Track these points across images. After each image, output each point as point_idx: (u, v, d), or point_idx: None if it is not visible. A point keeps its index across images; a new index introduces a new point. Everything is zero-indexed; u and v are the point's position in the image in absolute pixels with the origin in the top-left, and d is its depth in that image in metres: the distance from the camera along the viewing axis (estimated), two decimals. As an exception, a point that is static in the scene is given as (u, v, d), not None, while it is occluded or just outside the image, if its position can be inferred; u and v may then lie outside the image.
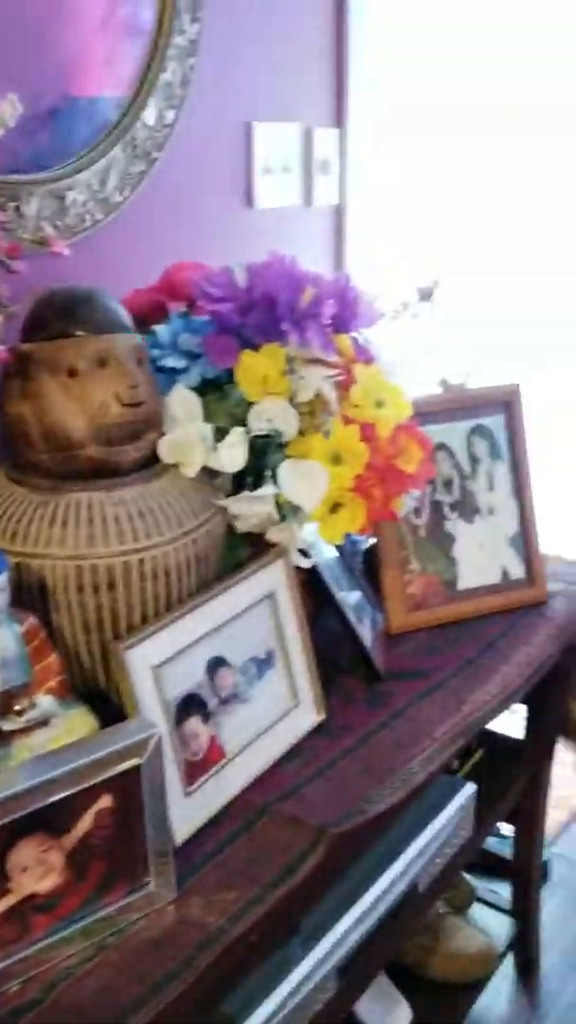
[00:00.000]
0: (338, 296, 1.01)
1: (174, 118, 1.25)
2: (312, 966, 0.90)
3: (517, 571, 1.25)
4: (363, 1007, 1.27)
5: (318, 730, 0.99)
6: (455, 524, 1.23)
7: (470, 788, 1.17)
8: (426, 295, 1.31)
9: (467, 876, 1.56)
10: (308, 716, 0.99)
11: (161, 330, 1.02)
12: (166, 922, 0.76)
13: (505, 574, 1.25)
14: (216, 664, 0.89)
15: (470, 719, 1.05)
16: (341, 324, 1.03)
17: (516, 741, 1.44)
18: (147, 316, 1.08)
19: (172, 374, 1.00)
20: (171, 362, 1.00)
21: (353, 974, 1.00)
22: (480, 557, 1.24)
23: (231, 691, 0.91)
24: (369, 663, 1.09)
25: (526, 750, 1.43)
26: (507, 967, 1.63)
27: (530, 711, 1.43)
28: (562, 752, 1.57)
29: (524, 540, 1.26)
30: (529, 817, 1.49)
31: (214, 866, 0.81)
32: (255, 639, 0.94)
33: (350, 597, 1.11)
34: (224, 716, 0.89)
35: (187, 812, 0.83)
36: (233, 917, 0.75)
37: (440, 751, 0.99)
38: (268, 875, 0.80)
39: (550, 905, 1.76)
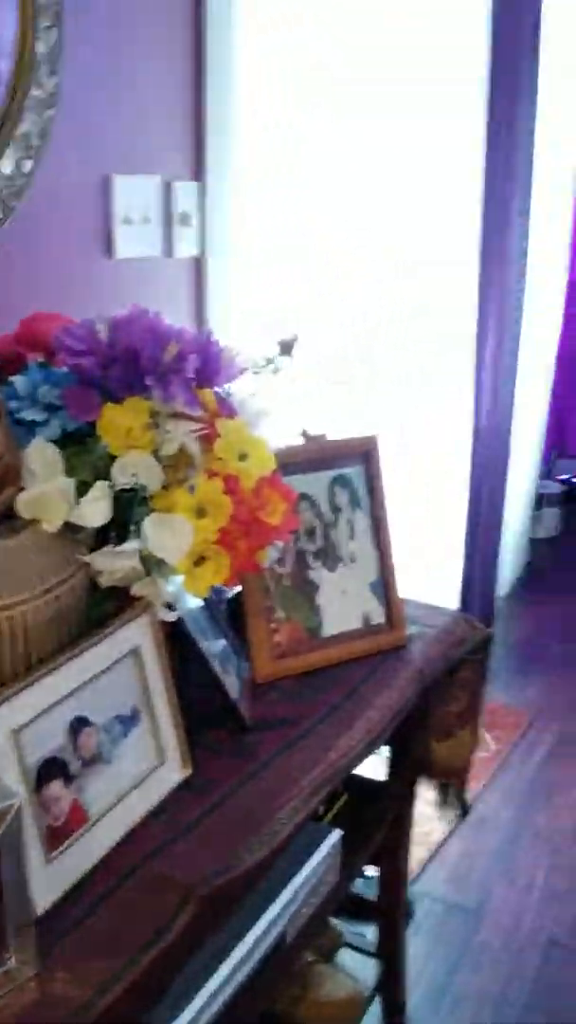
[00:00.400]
0: (201, 350, 1.02)
1: (32, 168, 1.24)
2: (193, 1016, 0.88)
3: (378, 616, 1.29)
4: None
5: (185, 785, 0.98)
6: (318, 572, 1.25)
7: (336, 834, 1.19)
8: (287, 348, 1.34)
9: (333, 921, 1.57)
10: (174, 772, 0.98)
11: (19, 381, 1.00)
12: (28, 999, 0.73)
13: (367, 620, 1.28)
14: (79, 724, 0.87)
15: (336, 765, 1.06)
16: (204, 378, 1.04)
17: (379, 783, 1.47)
18: (3, 367, 1.06)
19: (31, 427, 0.98)
20: (30, 415, 0.98)
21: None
22: (343, 604, 1.26)
23: (94, 751, 0.88)
24: (236, 713, 1.09)
25: (389, 791, 1.46)
26: (374, 1009, 1.64)
27: (392, 753, 1.47)
28: (423, 790, 1.62)
29: (384, 586, 1.30)
30: (393, 857, 1.52)
31: (79, 935, 0.79)
32: (119, 696, 0.93)
33: (215, 647, 1.11)
34: (87, 778, 0.87)
35: (49, 880, 0.80)
36: (100, 989, 0.73)
37: (307, 800, 0.99)
38: (136, 940, 0.78)
39: (414, 943, 1.80)
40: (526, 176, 2.46)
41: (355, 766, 1.11)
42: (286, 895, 1.07)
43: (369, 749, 1.13)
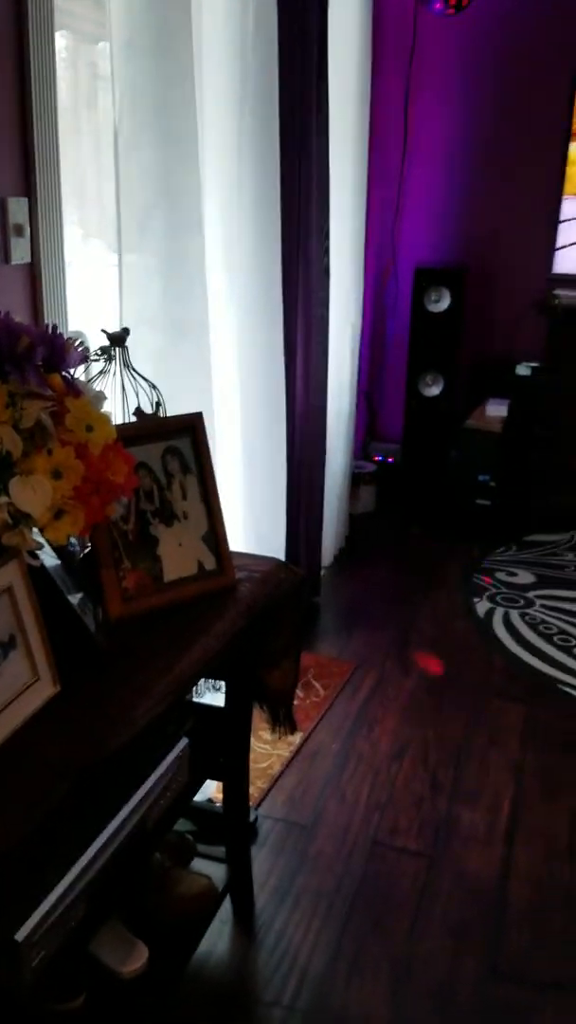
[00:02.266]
0: (47, 343, 1.24)
1: None
2: (68, 885, 1.10)
3: (210, 563, 1.54)
4: (104, 951, 1.48)
5: (54, 699, 1.20)
6: (157, 528, 1.49)
7: (184, 741, 1.43)
8: (118, 340, 1.56)
9: (188, 838, 1.82)
10: (47, 688, 1.19)
11: None
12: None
13: (201, 566, 1.53)
14: (-32, 646, 1.07)
15: (181, 678, 1.30)
16: (51, 365, 1.25)
17: (220, 709, 1.72)
18: None
19: None
20: None
21: (100, 898, 1.21)
22: (180, 554, 1.50)
23: (-18, 668, 1.09)
24: (93, 644, 1.31)
25: (229, 716, 1.72)
26: (226, 914, 1.90)
27: (229, 684, 1.73)
28: (265, 732, 1.87)
29: (214, 537, 1.55)
30: (236, 774, 1.78)
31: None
32: (-1, 626, 1.14)
33: (75, 597, 1.32)
34: (-22, 689, 1.07)
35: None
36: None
37: (159, 703, 1.23)
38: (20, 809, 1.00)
39: (259, 857, 2.06)
40: (322, 175, 2.78)
41: (196, 680, 1.35)
42: (145, 787, 1.30)
43: (208, 666, 1.38)
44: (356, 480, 3.96)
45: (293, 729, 1.78)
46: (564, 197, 3.70)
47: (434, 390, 4.09)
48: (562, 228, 3.74)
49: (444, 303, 3.93)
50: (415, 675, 2.83)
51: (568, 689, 2.77)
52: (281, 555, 2.78)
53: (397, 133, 4.15)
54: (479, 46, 3.97)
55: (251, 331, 2.44)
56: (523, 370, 4.20)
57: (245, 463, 2.52)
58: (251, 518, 2.59)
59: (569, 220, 3.72)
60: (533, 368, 4.08)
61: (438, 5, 3.59)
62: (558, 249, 3.77)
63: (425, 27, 3.95)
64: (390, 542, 3.86)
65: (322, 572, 3.38)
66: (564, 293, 3.78)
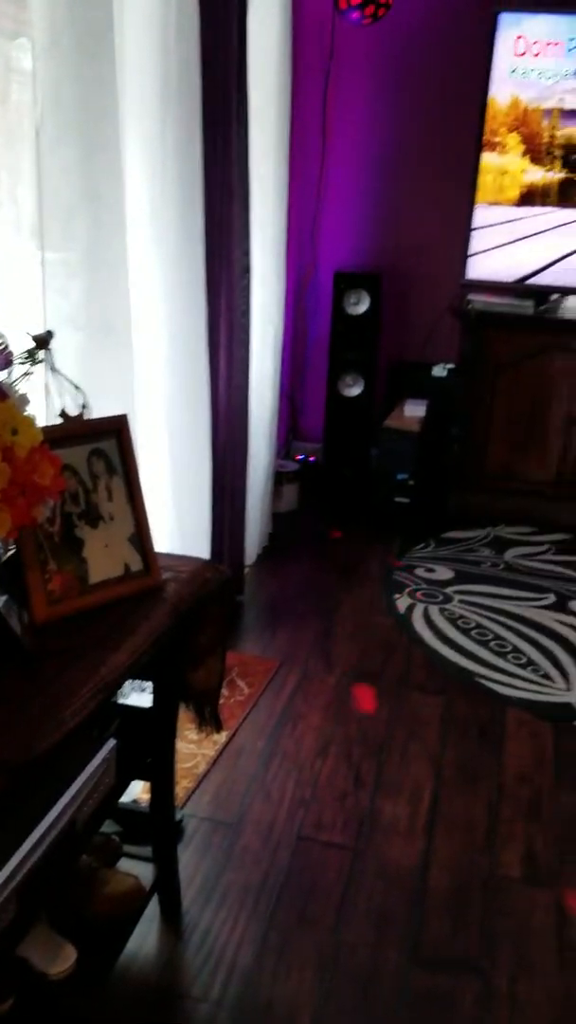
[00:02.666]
0: (-28, 344, 1.24)
1: None
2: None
3: (137, 564, 1.55)
4: (32, 953, 1.47)
5: (-17, 702, 1.20)
6: (83, 530, 1.49)
7: (111, 743, 1.44)
8: (42, 342, 1.56)
9: (115, 838, 1.82)
10: (-26, 691, 1.19)
11: None
12: None
13: (127, 567, 1.54)
14: None
15: (108, 679, 1.31)
16: (-24, 367, 1.25)
17: (146, 710, 1.73)
18: None
19: None
20: None
21: (29, 900, 1.21)
22: (106, 555, 1.51)
23: None
24: (19, 646, 1.31)
25: (155, 716, 1.73)
26: (153, 912, 1.91)
27: (155, 684, 1.74)
28: (190, 732, 1.89)
29: (140, 538, 1.56)
30: (162, 774, 1.79)
31: None
32: None
33: (-1, 598, 1.32)
34: None
35: None
36: None
37: (87, 703, 1.24)
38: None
39: (185, 856, 2.08)
40: (243, 178, 2.80)
41: (124, 680, 1.36)
42: (73, 788, 1.30)
43: (136, 667, 1.39)
44: (279, 479, 4.00)
45: (219, 728, 1.80)
46: (476, 205, 3.80)
47: (354, 390, 4.16)
48: (475, 235, 3.84)
49: (363, 306, 4.00)
50: (338, 671, 2.88)
51: (484, 681, 2.86)
52: (206, 554, 2.80)
53: (316, 139, 4.21)
54: (396, 55, 4.06)
55: (175, 332, 2.45)
56: (439, 371, 4.31)
57: (170, 463, 2.52)
58: (176, 518, 2.60)
59: (481, 228, 3.83)
60: (449, 370, 4.19)
61: (355, 15, 3.65)
62: (471, 256, 3.87)
63: (343, 36, 4.01)
64: (313, 540, 3.91)
65: (246, 570, 3.41)
66: (477, 298, 3.89)
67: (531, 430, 3.96)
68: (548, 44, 3.55)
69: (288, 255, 3.45)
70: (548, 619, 3.26)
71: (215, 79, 2.49)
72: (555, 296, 3.98)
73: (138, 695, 1.94)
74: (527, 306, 3.85)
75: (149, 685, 1.79)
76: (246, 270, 2.90)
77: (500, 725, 2.66)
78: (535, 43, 3.55)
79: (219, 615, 1.72)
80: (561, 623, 3.24)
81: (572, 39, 3.52)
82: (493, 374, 3.91)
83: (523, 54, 3.57)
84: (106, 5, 1.86)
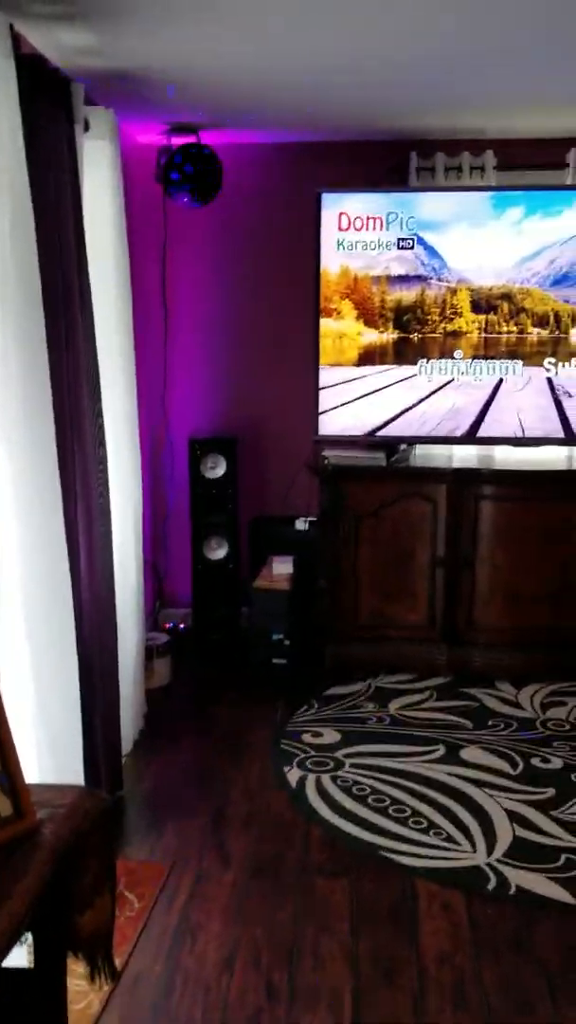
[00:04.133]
0: None
1: None
2: None
3: (7, 809, 1.37)
4: None
5: None
6: None
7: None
8: None
9: None
10: None
11: None
12: None
13: (-5, 814, 1.35)
14: None
15: (-18, 965, 1.11)
16: None
17: (26, 971, 1.50)
18: None
19: None
20: None
21: None
22: (-31, 804, 1.33)
23: None
24: None
25: (38, 973, 1.50)
26: None
27: (35, 937, 1.51)
28: (78, 965, 1.66)
29: (9, 779, 1.38)
30: (52, 1042, 1.54)
31: None
32: None
33: None
34: None
35: None
36: None
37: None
38: None
39: None
40: (89, 363, 2.77)
41: (4, 956, 1.17)
42: None
43: (13, 938, 1.20)
44: (149, 654, 3.83)
45: (114, 975, 1.59)
46: (321, 367, 3.92)
47: (219, 553, 4.11)
48: (322, 394, 3.95)
49: (220, 469, 4.00)
50: (234, 867, 2.67)
51: (388, 854, 2.71)
52: (78, 756, 2.58)
53: (158, 316, 4.29)
54: (230, 231, 4.25)
55: (29, 522, 2.32)
56: (301, 525, 4.33)
57: (32, 670, 2.34)
58: (43, 723, 2.39)
59: (328, 387, 3.94)
60: (311, 522, 4.21)
61: (185, 198, 3.81)
62: (321, 413, 3.97)
63: (177, 215, 4.16)
64: (191, 715, 3.72)
65: (123, 760, 3.18)
66: (332, 453, 3.96)
67: (399, 575, 3.98)
68: (369, 218, 3.79)
69: (140, 426, 3.42)
70: (442, 774, 3.18)
71: (52, 264, 2.48)
72: (404, 446, 4.11)
73: (16, 949, 1.70)
74: (379, 457, 3.95)
75: (28, 936, 1.57)
76: (101, 443, 2.84)
77: (411, 901, 2.51)
78: (357, 218, 3.79)
79: (103, 845, 1.54)
80: (455, 776, 3.16)
81: (390, 213, 3.78)
82: (355, 524, 3.95)
83: (347, 228, 3.80)
84: None
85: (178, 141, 3.82)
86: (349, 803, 2.99)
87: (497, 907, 2.48)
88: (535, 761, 3.27)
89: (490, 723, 3.58)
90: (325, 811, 2.95)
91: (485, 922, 2.42)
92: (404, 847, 2.75)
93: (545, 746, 3.38)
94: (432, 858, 2.70)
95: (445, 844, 2.76)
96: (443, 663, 4.02)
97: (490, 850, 2.73)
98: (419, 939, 2.36)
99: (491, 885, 2.57)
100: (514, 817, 2.90)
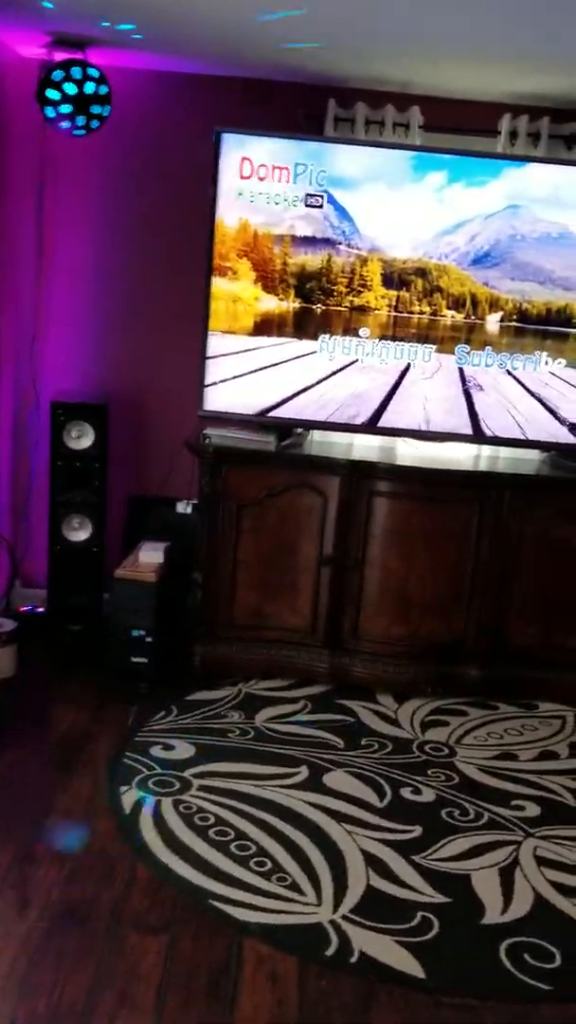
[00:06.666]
0: None
1: None
2: None
3: None
4: None
5: None
6: None
7: None
8: None
9: None
10: None
11: None
12: None
13: None
14: None
15: None
16: None
17: None
18: None
19: None
20: None
21: None
22: None
23: None
24: None
25: None
26: None
27: None
28: None
29: None
30: None
31: None
32: None
33: None
34: None
35: None
36: None
37: None
38: None
39: None
40: None
41: None
42: None
43: None
44: (-8, 642, 3.37)
45: None
46: (210, 333, 3.49)
47: (81, 534, 3.66)
48: (210, 364, 3.52)
49: (87, 440, 3.55)
50: (34, 911, 2.26)
51: (220, 904, 2.33)
52: None
53: (31, 257, 3.79)
54: (118, 169, 3.77)
55: None
56: (184, 508, 3.92)
57: None
58: None
59: (217, 357, 3.51)
60: (194, 506, 3.79)
61: (65, 123, 3.31)
62: (208, 386, 3.53)
63: (57, 146, 3.66)
64: (28, 715, 3.28)
65: None
66: (216, 432, 3.54)
67: (282, 573, 3.59)
68: (275, 168, 3.35)
69: (3, 384, 2.95)
70: (299, 803, 2.81)
71: None
72: (299, 430, 3.71)
73: None
74: (269, 441, 3.54)
75: None
76: None
77: (235, 968, 2.13)
78: (261, 166, 3.34)
79: None
80: (313, 806, 2.79)
81: (298, 164, 3.34)
82: (237, 513, 3.54)
83: (250, 176, 3.35)
84: None
85: (62, 57, 3.31)
86: (187, 836, 2.60)
87: (333, 979, 2.12)
88: (405, 792, 2.92)
89: (363, 742, 3.23)
90: (157, 845, 2.55)
91: (316, 998, 2.06)
92: (239, 895, 2.37)
93: (419, 773, 3.04)
94: (269, 911, 2.32)
95: (287, 893, 2.39)
96: (323, 670, 3.65)
97: (337, 903, 2.37)
98: (234, 1019, 1.98)
99: (331, 950, 2.21)
100: (371, 861, 2.55)
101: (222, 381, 3.54)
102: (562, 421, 3.58)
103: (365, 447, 3.77)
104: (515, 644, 3.61)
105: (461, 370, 3.55)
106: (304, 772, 2.99)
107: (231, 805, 2.76)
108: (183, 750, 3.07)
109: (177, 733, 3.18)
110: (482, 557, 3.52)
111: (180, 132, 3.70)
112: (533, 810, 2.88)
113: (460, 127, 3.62)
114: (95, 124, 3.35)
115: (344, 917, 2.32)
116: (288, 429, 3.66)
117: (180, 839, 2.58)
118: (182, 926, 2.25)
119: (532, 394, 3.57)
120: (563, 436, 3.59)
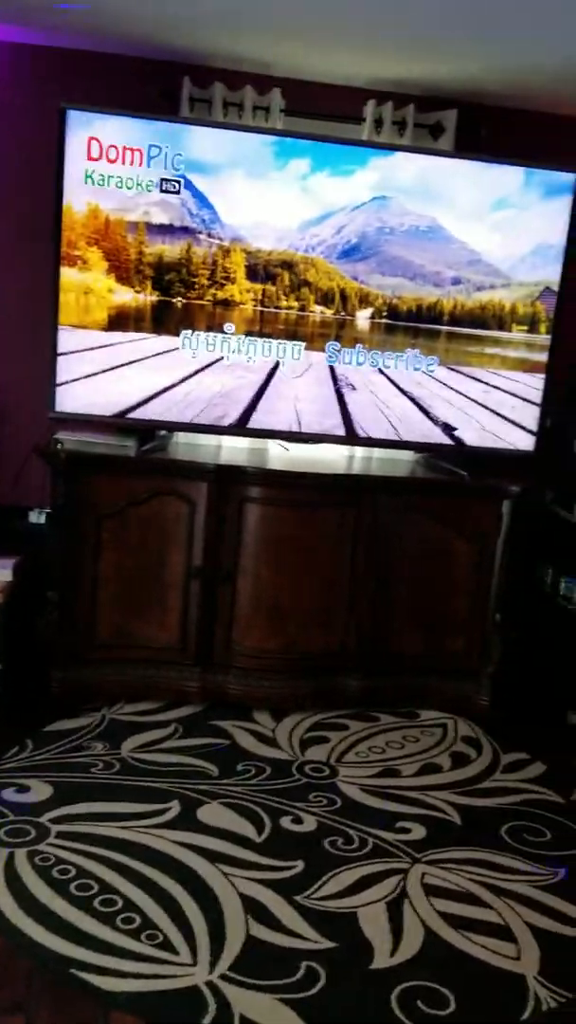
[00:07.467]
0: None
1: None
2: None
3: None
4: None
5: None
6: None
7: None
8: None
9: None
10: None
11: None
12: None
13: None
14: None
15: None
16: None
17: None
18: None
19: None
20: None
21: None
22: None
23: None
24: None
25: None
26: None
27: None
28: None
29: None
30: None
31: None
32: None
33: None
34: None
35: None
36: None
37: None
38: None
39: None
40: None
41: None
42: None
43: None
44: None
45: None
46: (60, 327, 3.18)
47: None
48: (62, 361, 3.21)
49: None
50: None
51: (82, 974, 2.07)
52: None
53: None
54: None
55: None
56: (37, 517, 3.60)
57: None
58: None
59: (69, 353, 3.21)
60: (48, 514, 3.48)
61: None
62: (59, 385, 3.23)
63: None
64: None
65: None
66: (68, 436, 3.24)
67: (147, 588, 3.33)
68: (126, 150, 3.07)
69: None
70: (171, 844, 2.57)
71: None
72: (163, 433, 3.46)
73: None
74: (129, 446, 3.27)
75: None
76: None
77: (101, 1051, 1.88)
78: (111, 147, 3.06)
79: None
80: (186, 847, 2.56)
81: (152, 146, 3.08)
82: (96, 525, 3.25)
83: (99, 158, 3.06)
84: None
85: None
86: (45, 894, 2.31)
87: (212, 1053, 1.90)
88: (285, 822, 2.73)
89: (239, 768, 3.02)
90: (9, 907, 2.25)
91: (193, 1079, 1.84)
92: (105, 961, 2.11)
93: (299, 799, 2.86)
94: (139, 976, 2.08)
95: (159, 954, 2.15)
96: (195, 690, 3.42)
97: (215, 960, 2.15)
98: None
99: (208, 1016, 1.98)
100: (250, 906, 2.34)
101: (76, 380, 3.24)
102: (435, 421, 3.47)
103: (235, 450, 3.56)
104: (395, 650, 3.49)
105: (332, 368, 3.38)
106: (175, 807, 2.75)
107: (94, 853, 2.49)
108: (39, 791, 2.77)
109: (32, 771, 2.87)
110: (359, 563, 3.37)
111: (22, 107, 3.37)
112: (419, 831, 2.74)
113: (324, 112, 3.44)
114: None
115: (222, 976, 2.10)
116: (150, 431, 3.40)
117: (36, 898, 2.29)
118: (40, 1002, 1.98)
119: (405, 393, 3.44)
120: (436, 436, 3.48)
